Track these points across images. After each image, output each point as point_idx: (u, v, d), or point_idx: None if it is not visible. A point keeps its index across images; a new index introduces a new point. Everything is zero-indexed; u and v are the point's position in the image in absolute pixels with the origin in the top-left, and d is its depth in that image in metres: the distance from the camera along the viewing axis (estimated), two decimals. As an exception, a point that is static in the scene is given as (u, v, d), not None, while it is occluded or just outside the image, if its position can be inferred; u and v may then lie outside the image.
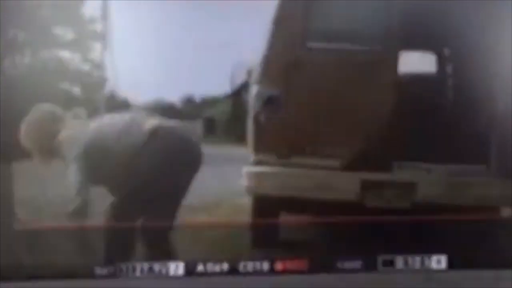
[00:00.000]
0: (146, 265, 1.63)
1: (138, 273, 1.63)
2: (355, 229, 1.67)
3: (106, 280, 1.62)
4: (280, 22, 2.17)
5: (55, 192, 1.86)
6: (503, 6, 2.07)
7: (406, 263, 1.60)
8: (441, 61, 2.77)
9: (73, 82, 2.50)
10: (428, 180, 2.09)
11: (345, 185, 2.05)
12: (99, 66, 2.55)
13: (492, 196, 2.03)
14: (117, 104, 2.42)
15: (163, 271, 1.63)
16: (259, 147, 2.09)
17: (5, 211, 1.59)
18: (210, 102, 2.61)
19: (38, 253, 1.64)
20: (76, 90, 2.52)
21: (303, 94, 2.11)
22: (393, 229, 1.64)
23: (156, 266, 1.63)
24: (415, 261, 1.59)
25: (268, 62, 2.15)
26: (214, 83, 2.29)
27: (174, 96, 2.34)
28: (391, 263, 1.59)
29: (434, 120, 2.33)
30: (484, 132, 2.16)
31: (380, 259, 1.59)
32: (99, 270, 1.64)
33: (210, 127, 2.64)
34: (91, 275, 1.62)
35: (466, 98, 2.36)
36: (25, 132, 1.78)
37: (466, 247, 1.65)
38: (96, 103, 2.51)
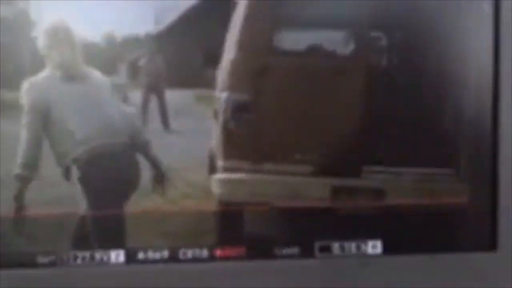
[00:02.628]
0: (87, 254, 1.64)
1: (79, 261, 1.64)
2: (293, 216, 1.69)
3: (47, 269, 1.63)
4: (248, 23, 2.11)
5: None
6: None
7: (342, 249, 1.62)
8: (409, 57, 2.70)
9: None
10: (398, 185, 2.02)
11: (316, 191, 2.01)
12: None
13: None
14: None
15: (104, 259, 1.64)
16: (229, 154, 2.04)
17: None
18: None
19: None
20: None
21: (272, 100, 2.05)
22: (330, 215, 1.67)
23: (97, 254, 1.63)
24: (351, 246, 1.62)
25: (235, 67, 2.10)
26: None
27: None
28: (327, 249, 1.62)
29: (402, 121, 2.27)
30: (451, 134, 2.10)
31: (317, 245, 1.61)
32: (41, 259, 1.64)
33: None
34: (33, 264, 1.63)
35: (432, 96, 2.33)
36: None
37: (401, 232, 1.68)
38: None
